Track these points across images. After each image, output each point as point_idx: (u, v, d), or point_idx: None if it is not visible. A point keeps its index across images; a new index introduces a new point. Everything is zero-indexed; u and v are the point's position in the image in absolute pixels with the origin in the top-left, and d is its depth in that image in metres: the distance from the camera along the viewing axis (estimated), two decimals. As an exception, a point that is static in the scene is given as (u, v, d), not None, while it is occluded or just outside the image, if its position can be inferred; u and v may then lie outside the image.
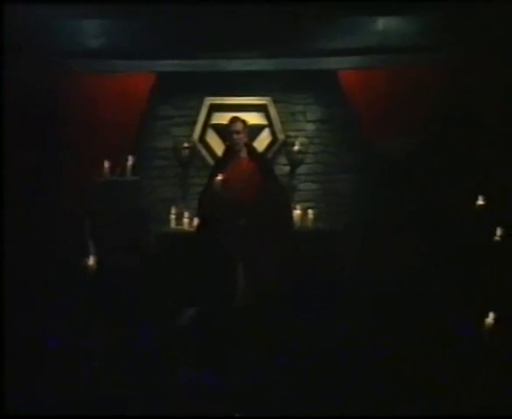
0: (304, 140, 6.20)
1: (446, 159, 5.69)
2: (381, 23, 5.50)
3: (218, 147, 6.27)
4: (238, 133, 5.26)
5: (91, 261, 4.97)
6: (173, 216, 6.27)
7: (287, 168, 6.25)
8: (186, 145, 6.20)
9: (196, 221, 5.97)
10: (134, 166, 6.13)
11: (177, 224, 6.26)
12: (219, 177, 5.28)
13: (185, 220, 6.17)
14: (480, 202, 5.41)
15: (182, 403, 3.42)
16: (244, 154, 5.33)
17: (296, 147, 6.08)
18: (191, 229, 6.04)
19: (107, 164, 6.01)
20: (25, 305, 4.18)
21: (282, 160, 6.33)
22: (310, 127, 6.57)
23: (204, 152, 6.42)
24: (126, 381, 3.60)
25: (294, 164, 6.13)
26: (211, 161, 6.25)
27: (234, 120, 5.36)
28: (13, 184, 4.87)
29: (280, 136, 6.43)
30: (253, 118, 6.26)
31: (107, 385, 3.56)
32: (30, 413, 3.28)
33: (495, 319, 4.24)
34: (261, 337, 4.29)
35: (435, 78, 5.80)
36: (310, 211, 6.28)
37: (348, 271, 5.73)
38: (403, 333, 4.21)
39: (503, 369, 3.74)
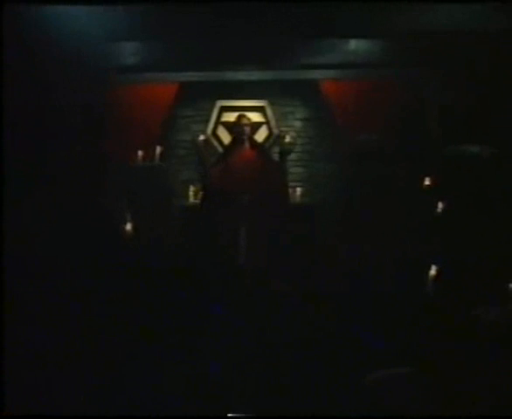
0: (293, 134, 6.55)
1: (401, 148, 6.30)
2: (353, 43, 5.83)
3: (227, 139, 6.89)
4: (245, 125, 5.92)
5: (128, 227, 5.58)
6: (191, 193, 6.94)
7: (280, 156, 6.28)
8: (202, 137, 6.44)
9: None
10: (161, 154, 6.79)
11: (195, 199, 6.87)
12: (225, 162, 5.89)
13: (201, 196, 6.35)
14: (427, 182, 6.07)
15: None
16: (247, 144, 5.93)
17: (287, 140, 6.23)
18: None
19: (140, 153, 6.69)
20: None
21: (276, 149, 6.63)
22: (298, 123, 7.24)
23: (215, 143, 7.09)
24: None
25: (286, 153, 6.29)
26: (221, 150, 6.83)
27: (241, 116, 6.03)
28: (67, 169, 5.10)
29: (275, 131, 7.08)
30: (254, 116, 6.80)
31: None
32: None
33: (437, 271, 4.66)
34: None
35: (393, 89, 6.45)
36: (298, 189, 6.93)
37: (327, 235, 6.37)
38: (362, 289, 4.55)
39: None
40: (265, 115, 7.16)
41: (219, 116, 7.17)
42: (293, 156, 6.70)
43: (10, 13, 3.96)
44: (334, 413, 3.01)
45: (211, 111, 7.16)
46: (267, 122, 7.17)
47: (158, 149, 6.81)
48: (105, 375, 3.47)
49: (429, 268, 4.72)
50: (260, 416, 3.21)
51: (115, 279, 4.53)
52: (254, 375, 3.55)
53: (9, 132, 3.84)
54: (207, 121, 7.14)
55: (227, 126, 7.02)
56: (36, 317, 3.66)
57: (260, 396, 3.35)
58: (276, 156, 6.49)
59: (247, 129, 5.98)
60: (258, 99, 7.14)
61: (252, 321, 4.24)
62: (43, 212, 4.53)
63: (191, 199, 6.96)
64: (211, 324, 4.15)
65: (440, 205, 5.84)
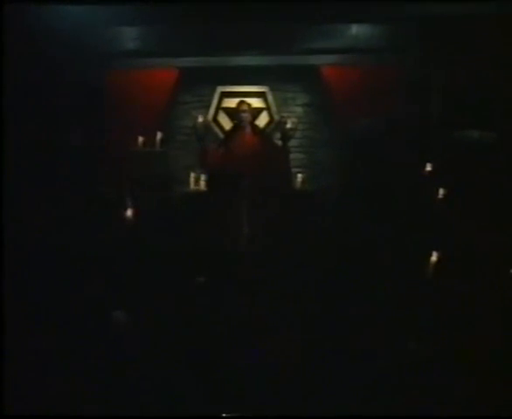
0: (294, 119, 6.40)
1: (400, 135, 6.30)
2: (354, 29, 6.00)
3: (227, 125, 6.95)
4: (244, 112, 5.99)
5: (128, 213, 5.52)
6: (192, 179, 6.85)
7: (281, 142, 6.37)
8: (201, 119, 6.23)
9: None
10: (162, 140, 6.77)
11: (195, 185, 6.83)
12: (226, 147, 5.94)
13: (201, 182, 6.70)
14: (428, 167, 6.11)
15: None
16: (249, 129, 6.01)
17: (288, 126, 6.23)
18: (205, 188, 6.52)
19: (140, 139, 6.68)
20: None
21: (277, 135, 6.64)
22: (299, 109, 7.24)
23: (216, 129, 7.13)
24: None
25: (287, 138, 6.30)
26: (221, 135, 6.88)
27: (242, 102, 6.10)
28: (67, 156, 5.60)
29: (276, 117, 7.08)
30: (255, 102, 6.83)
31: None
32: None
33: (438, 258, 4.71)
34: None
35: (392, 74, 6.48)
36: (299, 175, 6.85)
37: (327, 220, 6.11)
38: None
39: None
40: (266, 101, 7.18)
41: (220, 102, 7.19)
42: (293, 142, 6.71)
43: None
44: (334, 413, 2.98)
45: (211, 97, 7.18)
46: (268, 108, 7.19)
47: (159, 135, 6.79)
48: (105, 375, 3.43)
49: (430, 254, 4.75)
50: (260, 416, 3.15)
51: (115, 272, 4.53)
52: (253, 371, 3.50)
53: (10, 123, 3.96)
54: (208, 107, 7.14)
55: (228, 111, 7.07)
56: (36, 317, 3.66)
57: (259, 395, 3.30)
58: (279, 141, 6.52)
59: (247, 115, 6.02)
60: (259, 84, 7.16)
61: (251, 311, 4.21)
62: (42, 198, 4.79)
63: (192, 185, 6.92)
64: (209, 314, 4.14)
65: (442, 191, 5.85)
